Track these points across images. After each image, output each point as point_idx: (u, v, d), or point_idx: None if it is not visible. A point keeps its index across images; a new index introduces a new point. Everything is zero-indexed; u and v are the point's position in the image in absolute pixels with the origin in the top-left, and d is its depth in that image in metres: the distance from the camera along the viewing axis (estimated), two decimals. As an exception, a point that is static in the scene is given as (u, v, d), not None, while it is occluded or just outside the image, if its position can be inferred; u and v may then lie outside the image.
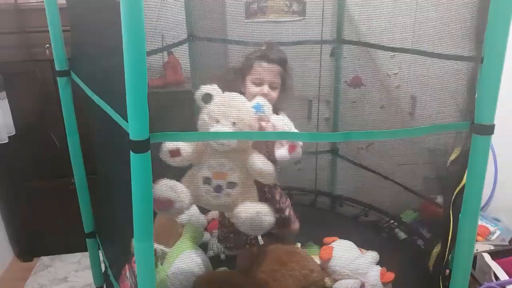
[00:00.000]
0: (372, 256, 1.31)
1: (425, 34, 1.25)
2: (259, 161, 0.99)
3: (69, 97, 1.28)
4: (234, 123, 0.97)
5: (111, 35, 0.76)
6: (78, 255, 2.11)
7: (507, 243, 1.60)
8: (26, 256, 2.11)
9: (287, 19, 1.65)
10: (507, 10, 0.74)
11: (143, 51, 0.68)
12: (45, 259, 2.11)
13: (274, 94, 1.16)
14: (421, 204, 1.62)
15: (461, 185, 0.96)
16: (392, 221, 1.65)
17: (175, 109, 1.34)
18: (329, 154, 1.81)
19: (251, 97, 1.16)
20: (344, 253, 1.30)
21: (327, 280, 1.26)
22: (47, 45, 1.65)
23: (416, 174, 1.56)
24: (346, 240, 1.36)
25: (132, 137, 0.72)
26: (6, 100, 1.69)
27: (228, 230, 1.26)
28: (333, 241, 1.37)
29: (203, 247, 1.44)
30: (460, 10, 1.01)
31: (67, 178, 1.81)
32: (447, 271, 1.08)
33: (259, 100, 1.02)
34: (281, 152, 1.02)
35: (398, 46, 1.38)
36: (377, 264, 1.29)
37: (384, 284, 1.23)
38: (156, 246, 1.33)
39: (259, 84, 1.15)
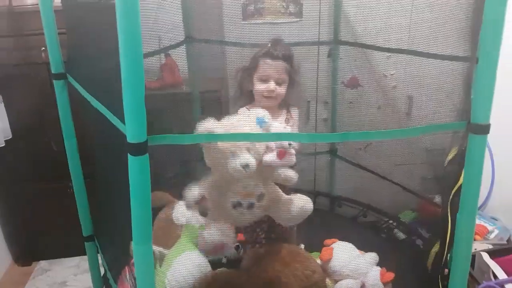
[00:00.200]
0: (371, 257, 1.31)
1: (420, 34, 1.25)
2: (288, 171, 1.01)
3: (66, 100, 1.28)
4: (249, 149, 0.95)
5: (107, 38, 0.76)
6: (77, 259, 2.10)
7: (505, 242, 1.61)
8: (25, 261, 2.10)
9: (284, 21, 1.65)
10: (501, 10, 0.75)
11: (140, 53, 0.68)
12: (43, 263, 2.11)
13: (281, 90, 1.19)
14: (420, 204, 1.63)
15: (458, 184, 0.97)
16: (391, 221, 1.65)
17: (173, 111, 1.34)
18: (327, 155, 1.81)
19: (258, 93, 1.18)
20: (344, 253, 1.30)
21: (328, 282, 1.26)
22: (43, 48, 1.65)
23: (414, 174, 1.57)
24: (346, 242, 1.36)
25: (130, 139, 0.72)
26: (2, 104, 1.69)
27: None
28: (333, 242, 1.37)
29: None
30: (455, 11, 1.01)
31: (65, 181, 1.79)
32: (446, 270, 1.09)
33: (258, 113, 1.00)
34: (269, 157, 1.01)
35: (394, 47, 1.38)
36: (377, 265, 1.29)
37: (384, 284, 1.23)
38: (155, 248, 1.33)
39: (265, 80, 1.18)
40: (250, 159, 0.93)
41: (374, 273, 1.25)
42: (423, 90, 1.28)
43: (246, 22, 1.66)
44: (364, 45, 1.51)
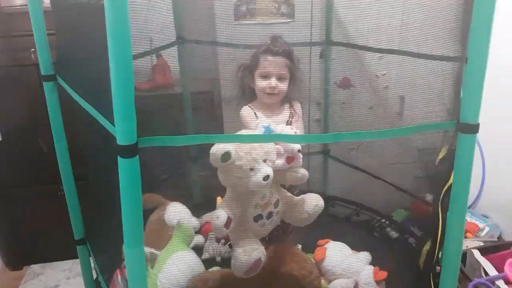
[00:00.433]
0: (364, 256, 1.32)
1: (411, 35, 1.26)
2: (292, 171, 1.04)
3: (56, 102, 1.27)
4: (265, 160, 0.96)
5: (96, 38, 0.75)
6: (69, 262, 2.08)
7: (496, 239, 1.63)
8: (16, 265, 2.07)
9: (276, 21, 1.65)
10: (489, 10, 0.75)
11: (129, 54, 0.67)
12: (35, 267, 2.08)
13: (283, 85, 1.21)
14: (412, 203, 1.63)
15: (448, 183, 0.97)
16: (383, 220, 1.66)
17: (164, 112, 1.34)
18: (320, 155, 1.81)
19: (260, 90, 1.19)
20: (337, 253, 1.31)
21: (322, 281, 1.27)
22: (33, 49, 1.63)
23: (406, 173, 1.58)
24: (339, 242, 1.37)
25: (120, 141, 0.72)
26: (-8, 106, 1.67)
27: None
28: (326, 243, 1.37)
29: (198, 250, 1.44)
30: (445, 11, 1.02)
31: (56, 184, 1.79)
32: (438, 268, 1.10)
33: (263, 123, 1.02)
34: (279, 162, 1.04)
35: (385, 47, 1.39)
36: (370, 264, 1.29)
37: (377, 282, 1.23)
38: (146, 249, 1.32)
39: (266, 77, 1.19)
40: (269, 170, 0.95)
41: (367, 272, 1.25)
42: (414, 90, 1.29)
43: (238, 23, 1.65)
44: (356, 46, 1.51)
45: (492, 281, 1.30)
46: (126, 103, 0.69)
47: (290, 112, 1.30)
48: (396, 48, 1.35)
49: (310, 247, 1.37)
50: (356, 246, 1.38)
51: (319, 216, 1.64)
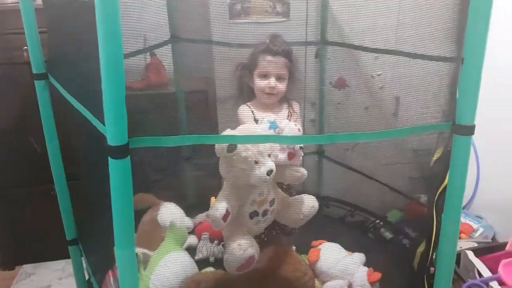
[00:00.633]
0: (358, 257, 1.31)
1: (407, 35, 1.26)
2: (291, 170, 1.04)
3: (47, 101, 1.25)
4: (269, 155, 0.97)
5: (87, 36, 0.73)
6: (62, 262, 2.06)
7: (490, 240, 1.63)
8: (8, 265, 2.05)
9: (271, 20, 1.64)
10: (486, 11, 0.75)
11: (120, 52, 0.66)
12: (27, 267, 2.06)
13: (282, 85, 1.20)
14: (406, 204, 1.63)
15: (443, 185, 0.97)
16: (378, 221, 1.66)
17: (158, 111, 1.32)
18: (315, 156, 1.81)
19: (259, 90, 1.19)
20: (331, 254, 1.30)
21: (316, 283, 1.26)
22: (25, 47, 1.61)
23: (400, 174, 1.57)
24: (333, 243, 1.36)
25: (110, 142, 0.70)
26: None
27: None
28: (320, 244, 1.37)
29: (192, 250, 1.43)
30: (441, 11, 1.02)
31: (49, 184, 1.76)
32: (432, 269, 1.09)
33: (267, 118, 1.02)
34: (280, 157, 1.04)
35: (381, 48, 1.39)
36: (364, 265, 1.29)
37: (371, 284, 1.23)
38: (139, 250, 1.30)
39: (265, 77, 1.18)
40: (273, 165, 0.96)
41: (361, 273, 1.25)
42: (410, 91, 1.28)
43: (233, 21, 1.64)
44: (351, 46, 1.50)
45: (486, 282, 1.30)
46: (117, 103, 0.68)
47: (289, 112, 1.29)
48: (392, 48, 1.34)
49: (304, 248, 1.36)
50: (350, 247, 1.37)
51: (313, 217, 1.64)
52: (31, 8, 1.16)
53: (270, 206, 1.04)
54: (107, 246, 1.00)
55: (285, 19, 1.63)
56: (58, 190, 1.38)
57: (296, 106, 1.32)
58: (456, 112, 0.83)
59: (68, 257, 1.53)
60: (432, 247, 1.07)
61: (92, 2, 0.65)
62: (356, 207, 1.73)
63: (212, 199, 1.33)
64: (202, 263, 1.38)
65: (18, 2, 1.16)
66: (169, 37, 1.59)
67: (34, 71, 1.23)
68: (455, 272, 1.34)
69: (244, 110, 1.24)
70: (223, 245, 1.49)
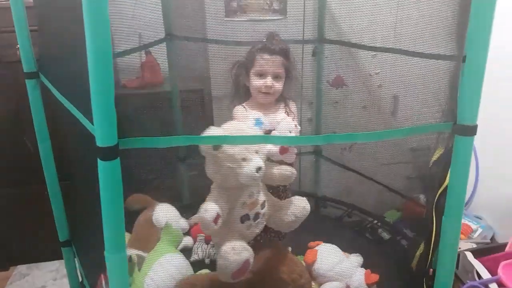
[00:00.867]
0: (356, 259, 1.31)
1: (406, 32, 1.24)
2: (280, 169, 1.01)
3: (39, 100, 1.22)
4: (257, 151, 0.94)
5: (76, 33, 0.71)
6: (56, 263, 2.04)
7: (489, 241, 1.61)
8: (2, 265, 2.03)
9: (268, 18, 1.62)
10: (489, 6, 0.72)
11: (108, 49, 0.63)
12: (21, 267, 2.03)
13: (278, 85, 1.18)
14: (404, 204, 1.62)
15: (444, 185, 0.95)
16: (375, 222, 1.64)
17: (152, 111, 1.30)
18: (312, 156, 1.78)
19: (255, 89, 1.17)
20: (329, 256, 1.29)
21: (313, 285, 1.25)
22: (18, 45, 1.58)
23: (399, 173, 1.56)
24: (330, 244, 1.34)
25: (99, 143, 0.68)
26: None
27: None
28: (317, 245, 1.35)
29: (187, 252, 1.42)
30: (441, 8, 1.00)
31: (43, 184, 1.74)
32: (431, 271, 1.08)
33: (254, 115, 1.02)
34: (274, 150, 1.02)
35: (379, 45, 1.37)
36: (361, 267, 1.28)
37: (369, 286, 1.22)
38: (133, 251, 1.30)
39: (262, 76, 1.16)
40: (262, 162, 0.93)
41: (359, 275, 1.24)
42: (409, 90, 1.26)
43: (229, 19, 1.62)
44: (349, 44, 1.48)
45: (486, 284, 1.28)
46: (106, 102, 0.65)
47: (286, 112, 1.27)
48: (390, 46, 1.32)
49: (300, 250, 1.35)
50: (347, 248, 1.36)
51: (310, 217, 1.63)
52: (21, 6, 1.13)
53: (262, 209, 1.01)
54: (100, 248, 0.98)
55: (282, 16, 1.61)
56: (51, 191, 1.36)
57: (293, 106, 1.30)
58: (457, 111, 0.81)
59: (62, 258, 1.51)
60: (431, 248, 1.06)
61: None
62: (353, 207, 1.71)
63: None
64: (197, 265, 1.36)
65: (8, 0, 1.13)
66: (164, 35, 1.56)
67: (25, 69, 1.20)
68: (454, 274, 1.32)
69: (239, 111, 1.22)
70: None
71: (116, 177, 0.70)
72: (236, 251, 0.91)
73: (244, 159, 0.91)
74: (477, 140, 1.58)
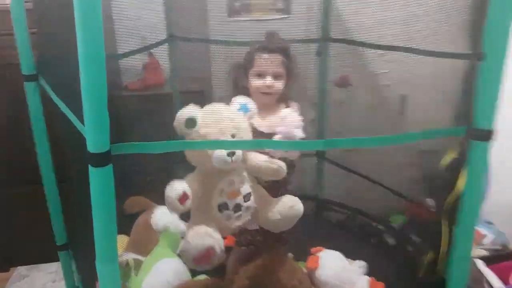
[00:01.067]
0: (360, 265, 1.28)
1: (416, 30, 1.20)
2: (265, 162, 0.96)
3: (38, 103, 1.19)
4: (233, 135, 0.91)
5: (70, 33, 0.67)
6: (56, 264, 2.02)
7: (500, 248, 1.56)
8: (2, 266, 2.01)
9: (272, 17, 1.60)
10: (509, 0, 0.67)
11: (101, 49, 0.59)
12: (21, 269, 2.02)
13: (279, 84, 1.14)
14: (410, 207, 1.58)
15: (454, 192, 0.91)
16: (380, 226, 1.60)
17: (152, 113, 1.27)
18: (314, 157, 1.73)
19: (255, 90, 1.14)
20: (332, 263, 1.25)
21: (315, 293, 1.21)
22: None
23: (405, 176, 1.52)
24: (333, 250, 1.31)
25: (91, 148, 0.64)
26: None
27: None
28: (319, 251, 1.32)
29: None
30: (455, 3, 0.95)
31: (43, 184, 1.73)
32: (440, 278, 1.03)
33: (239, 99, 0.97)
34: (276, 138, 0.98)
35: (387, 44, 1.32)
36: (366, 274, 1.26)
37: (374, 295, 1.19)
38: (131, 255, 1.29)
39: (261, 75, 1.13)
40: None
41: (363, 283, 1.21)
42: (419, 91, 1.22)
43: (232, 19, 1.59)
44: (356, 42, 1.44)
45: (497, 293, 1.24)
46: (98, 106, 0.62)
47: None
48: (399, 44, 1.27)
49: (301, 255, 1.32)
50: (351, 254, 1.33)
51: (311, 221, 1.59)
52: (22, 9, 1.10)
53: (245, 201, 0.95)
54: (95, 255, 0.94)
55: (286, 15, 1.59)
56: (48, 194, 1.33)
57: (294, 107, 1.26)
58: (473, 114, 0.75)
59: (61, 261, 1.48)
60: (440, 256, 1.01)
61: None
62: (357, 210, 1.67)
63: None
64: (195, 270, 1.30)
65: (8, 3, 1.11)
66: (166, 36, 1.53)
67: (24, 72, 1.17)
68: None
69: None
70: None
71: (108, 184, 0.66)
72: (199, 236, 0.87)
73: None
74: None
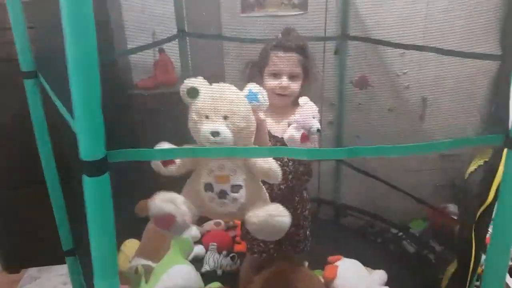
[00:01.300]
0: (379, 276, 1.23)
1: (439, 28, 1.13)
2: (261, 159, 0.89)
3: (38, 100, 1.13)
4: (225, 117, 0.85)
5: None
6: (67, 266, 2.01)
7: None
8: (13, 268, 2.01)
9: (287, 13, 1.54)
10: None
11: (92, 43, 0.54)
12: (32, 270, 2.01)
13: (295, 85, 1.07)
14: (432, 214, 1.52)
15: (486, 204, 0.83)
16: (400, 233, 1.54)
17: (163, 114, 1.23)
18: (333, 161, 1.68)
19: (269, 91, 1.05)
20: (350, 273, 1.21)
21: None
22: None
23: (426, 181, 1.46)
24: (352, 259, 1.26)
25: (84, 156, 0.58)
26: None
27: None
28: (337, 260, 1.26)
29: (198, 261, 1.38)
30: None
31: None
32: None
33: (252, 86, 0.89)
34: (291, 132, 0.94)
35: (408, 43, 1.25)
36: (385, 285, 1.21)
37: (393, 307, 1.12)
38: (141, 261, 1.25)
39: (277, 75, 1.06)
40: (222, 127, 0.83)
41: (383, 296, 1.16)
42: (442, 93, 1.14)
43: (245, 15, 1.54)
44: (375, 41, 1.38)
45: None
46: (90, 109, 0.55)
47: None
48: (421, 44, 1.21)
49: (318, 264, 1.27)
50: (369, 262, 1.28)
51: (329, 227, 1.53)
52: (18, 2, 1.05)
53: (232, 192, 0.90)
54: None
55: (302, 12, 1.53)
56: (52, 198, 1.30)
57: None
58: (509, 121, 0.67)
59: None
60: (470, 274, 0.93)
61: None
62: (376, 216, 1.61)
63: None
64: (209, 276, 1.31)
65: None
66: (176, 32, 1.50)
67: (23, 69, 1.12)
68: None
69: None
70: (231, 257, 1.41)
71: (104, 195, 0.60)
72: (162, 201, 0.87)
73: (207, 117, 0.85)
74: None
